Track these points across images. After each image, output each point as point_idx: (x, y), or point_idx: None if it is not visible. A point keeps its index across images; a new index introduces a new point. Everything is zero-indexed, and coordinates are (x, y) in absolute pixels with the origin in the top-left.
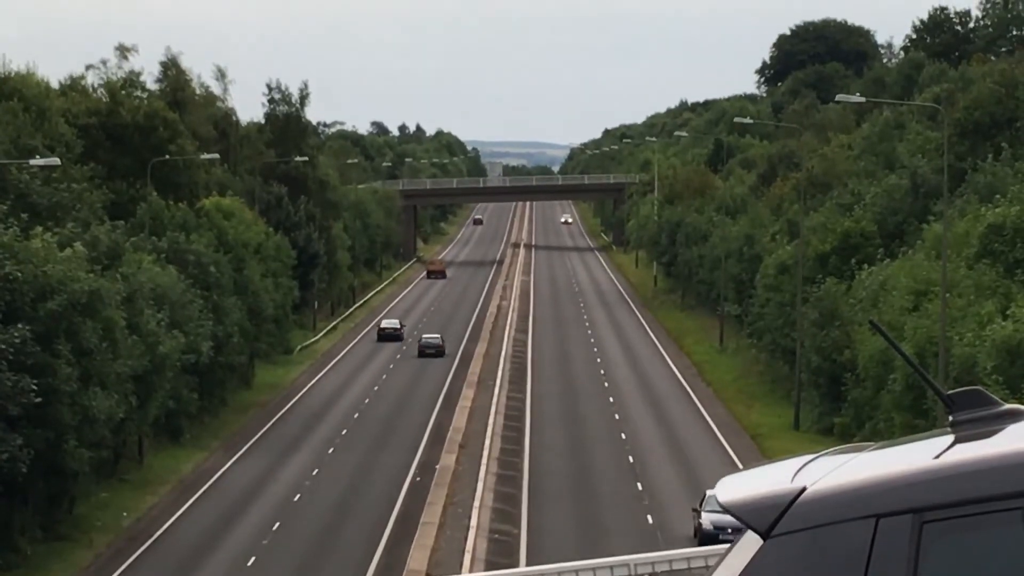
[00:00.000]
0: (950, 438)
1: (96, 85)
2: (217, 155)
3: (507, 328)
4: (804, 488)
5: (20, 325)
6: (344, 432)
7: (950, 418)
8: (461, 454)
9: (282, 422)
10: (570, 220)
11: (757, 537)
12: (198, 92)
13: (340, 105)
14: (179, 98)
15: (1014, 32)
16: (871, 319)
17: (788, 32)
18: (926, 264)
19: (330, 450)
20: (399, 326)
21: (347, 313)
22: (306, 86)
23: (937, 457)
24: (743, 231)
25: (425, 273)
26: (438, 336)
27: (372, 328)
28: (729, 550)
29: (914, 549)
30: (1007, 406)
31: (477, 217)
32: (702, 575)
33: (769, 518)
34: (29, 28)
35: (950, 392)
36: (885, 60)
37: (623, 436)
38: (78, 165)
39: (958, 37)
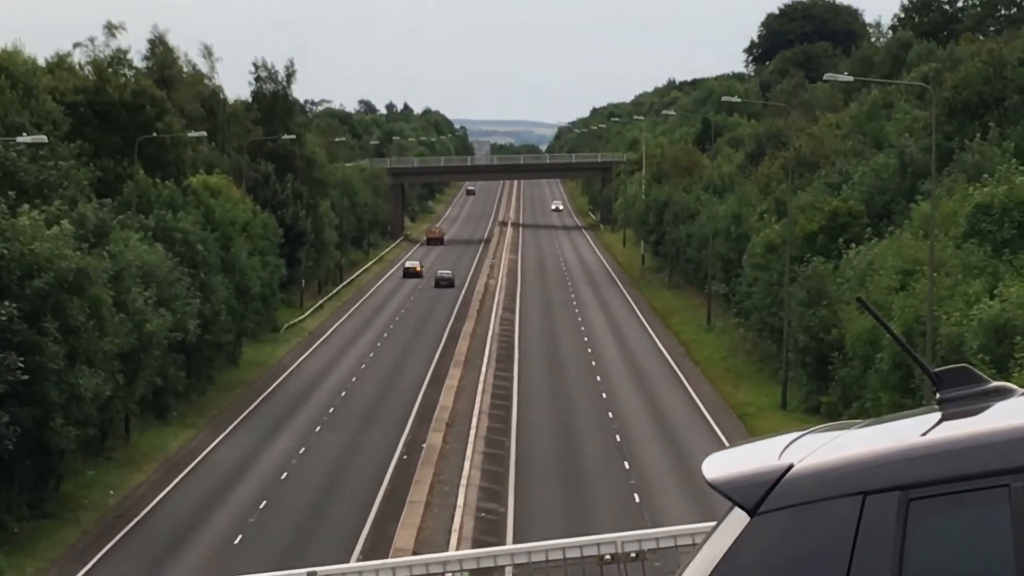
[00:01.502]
0: (937, 416)
1: (83, 63)
2: (204, 133)
3: (494, 307)
4: (791, 465)
5: (7, 303)
6: (331, 410)
7: (937, 396)
8: (448, 433)
9: (269, 400)
10: (561, 207)
11: (744, 514)
12: (185, 70)
13: (328, 83)
14: (166, 76)
15: (1002, 11)
16: (859, 297)
17: (776, 11)
18: (914, 243)
19: (317, 428)
20: (420, 266)
21: (334, 291)
22: (292, 64)
23: (924, 435)
24: (731, 210)
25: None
26: (450, 271)
27: (360, 306)
28: (716, 527)
29: (901, 526)
30: (994, 384)
31: (470, 188)
32: (689, 552)
33: (756, 495)
34: (15, 5)
35: (937, 370)
36: (873, 39)
37: (610, 415)
38: (65, 143)
39: (947, 16)
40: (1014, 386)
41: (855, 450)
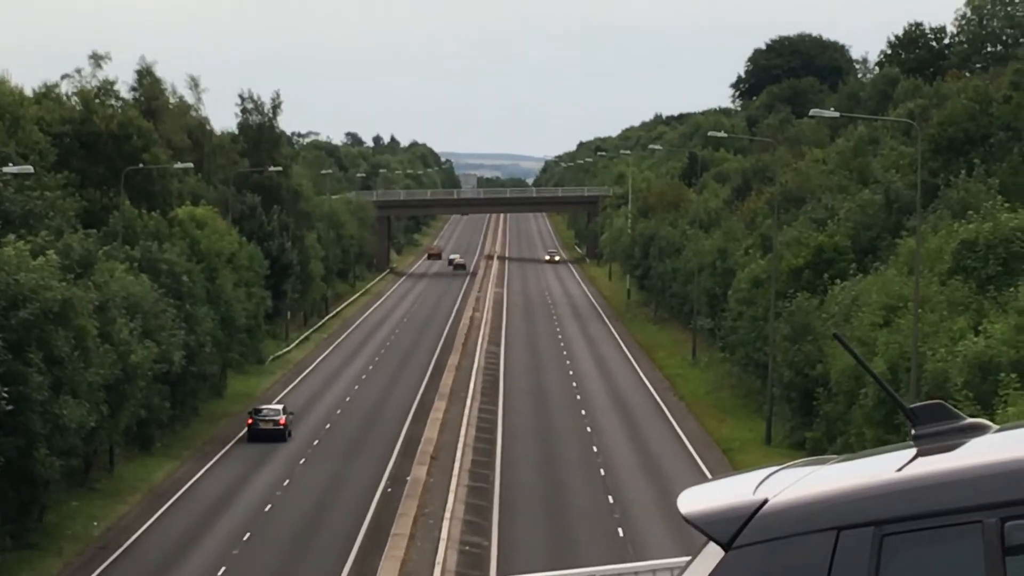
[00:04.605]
0: (912, 452)
1: (70, 93)
2: (191, 164)
3: (479, 340)
4: (766, 500)
5: None
6: (316, 443)
7: (912, 432)
8: (432, 466)
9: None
10: (557, 258)
11: (719, 548)
12: (172, 101)
13: (314, 116)
14: (153, 107)
15: (989, 48)
16: (835, 333)
17: (763, 47)
18: (899, 279)
19: (301, 460)
20: (460, 257)
21: (320, 323)
22: (278, 96)
23: (898, 471)
24: (716, 245)
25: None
26: (463, 259)
27: (345, 339)
28: (691, 562)
29: (874, 561)
30: (969, 420)
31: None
32: None
33: (731, 530)
34: (2, 35)
35: (913, 406)
36: (860, 75)
37: (594, 449)
38: (51, 173)
39: (933, 53)
40: (989, 423)
41: (829, 485)
